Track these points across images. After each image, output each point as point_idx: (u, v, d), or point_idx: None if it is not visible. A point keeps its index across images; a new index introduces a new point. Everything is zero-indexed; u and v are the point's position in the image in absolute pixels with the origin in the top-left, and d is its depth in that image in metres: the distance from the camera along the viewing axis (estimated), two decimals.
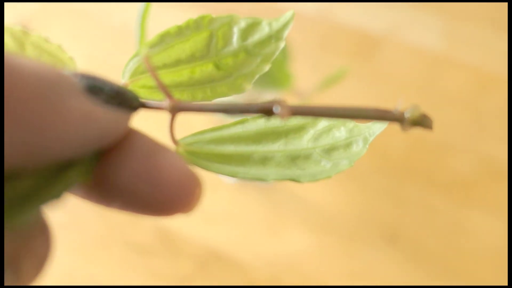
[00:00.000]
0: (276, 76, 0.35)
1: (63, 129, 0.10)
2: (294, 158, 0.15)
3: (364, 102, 0.48)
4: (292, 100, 0.40)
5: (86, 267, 0.38)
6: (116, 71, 0.14)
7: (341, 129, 0.16)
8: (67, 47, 0.16)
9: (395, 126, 0.13)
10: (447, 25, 0.55)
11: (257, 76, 0.18)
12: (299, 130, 0.16)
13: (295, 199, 0.42)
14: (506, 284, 0.38)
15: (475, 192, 0.43)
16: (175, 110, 0.13)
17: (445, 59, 0.52)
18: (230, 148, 0.15)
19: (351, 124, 0.16)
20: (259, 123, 0.16)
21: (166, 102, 0.13)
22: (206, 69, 0.17)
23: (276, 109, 0.13)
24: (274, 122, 0.16)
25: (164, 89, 0.13)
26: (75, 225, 0.41)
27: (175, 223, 0.40)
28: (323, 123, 0.16)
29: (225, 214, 0.41)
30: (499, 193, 0.43)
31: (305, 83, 0.43)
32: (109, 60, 0.52)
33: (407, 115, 0.12)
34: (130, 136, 0.13)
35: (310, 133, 0.16)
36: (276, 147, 0.16)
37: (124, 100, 0.12)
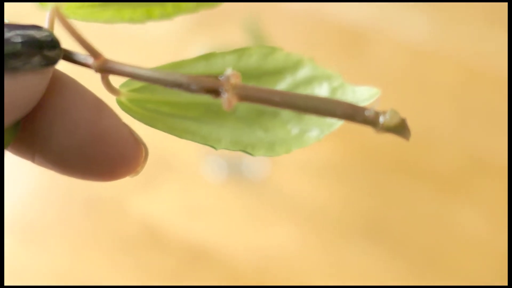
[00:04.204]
0: None
1: None
2: (260, 113, 0.13)
3: None
4: None
5: (73, 263, 0.39)
6: None
7: (324, 85, 0.13)
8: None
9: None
10: (434, 20, 0.52)
11: None
12: (275, 74, 0.14)
13: (278, 194, 0.42)
14: (498, 281, 0.38)
15: (460, 186, 0.42)
16: (102, 70, 0.11)
17: (433, 54, 0.50)
18: (186, 94, 0.13)
19: (336, 81, 0.13)
20: (227, 60, 0.14)
21: (92, 60, 0.11)
22: None
23: (222, 92, 0.10)
24: (246, 62, 0.14)
25: (87, 45, 0.10)
26: (61, 222, 0.41)
27: (162, 218, 0.41)
28: (305, 71, 0.13)
29: (210, 210, 0.42)
30: (484, 188, 0.42)
31: None
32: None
33: (383, 120, 0.10)
34: (66, 90, 0.11)
35: (287, 80, 0.14)
36: None
37: (34, 54, 0.10)
